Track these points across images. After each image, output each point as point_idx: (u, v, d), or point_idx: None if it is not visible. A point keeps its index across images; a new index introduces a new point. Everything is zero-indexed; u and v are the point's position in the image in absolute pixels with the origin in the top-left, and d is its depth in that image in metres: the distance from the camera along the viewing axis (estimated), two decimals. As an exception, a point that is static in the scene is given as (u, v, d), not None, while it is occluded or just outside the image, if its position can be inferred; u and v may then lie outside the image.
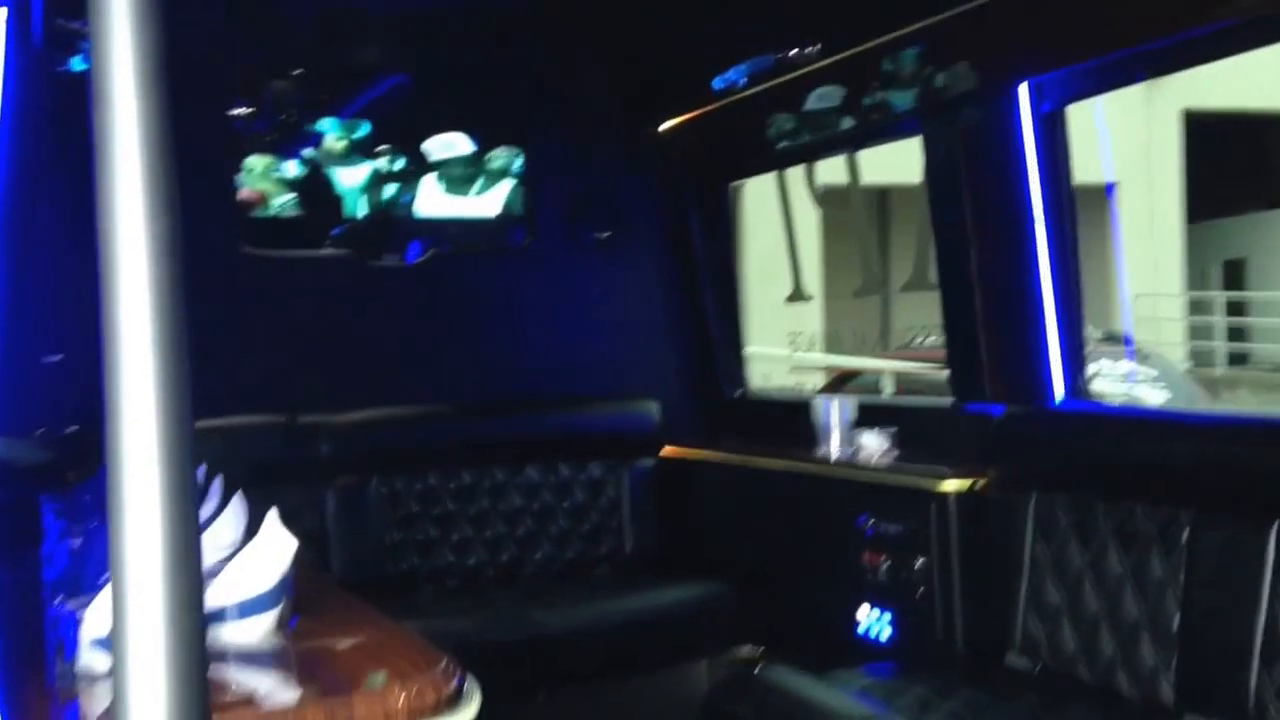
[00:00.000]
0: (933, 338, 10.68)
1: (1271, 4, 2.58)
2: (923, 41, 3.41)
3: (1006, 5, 3.12)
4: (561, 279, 4.63)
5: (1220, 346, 18.85)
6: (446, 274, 4.49)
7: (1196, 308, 19.50)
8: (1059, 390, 3.27)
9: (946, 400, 3.63)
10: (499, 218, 4.59)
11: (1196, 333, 19.24)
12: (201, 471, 2.34)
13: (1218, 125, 17.62)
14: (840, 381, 9.60)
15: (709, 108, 4.44)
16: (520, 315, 4.59)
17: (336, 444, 4.14)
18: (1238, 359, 19.04)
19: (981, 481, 3.19)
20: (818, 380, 10.78)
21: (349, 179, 4.43)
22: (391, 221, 4.45)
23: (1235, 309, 19.51)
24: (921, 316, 12.62)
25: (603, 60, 4.57)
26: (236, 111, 4.28)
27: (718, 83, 4.31)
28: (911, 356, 9.98)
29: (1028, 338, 3.28)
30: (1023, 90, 3.26)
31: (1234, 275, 21.42)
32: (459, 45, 4.42)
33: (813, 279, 12.54)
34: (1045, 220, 3.30)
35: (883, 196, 16.54)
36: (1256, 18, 2.63)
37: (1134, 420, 3.40)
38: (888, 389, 8.98)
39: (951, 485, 3.21)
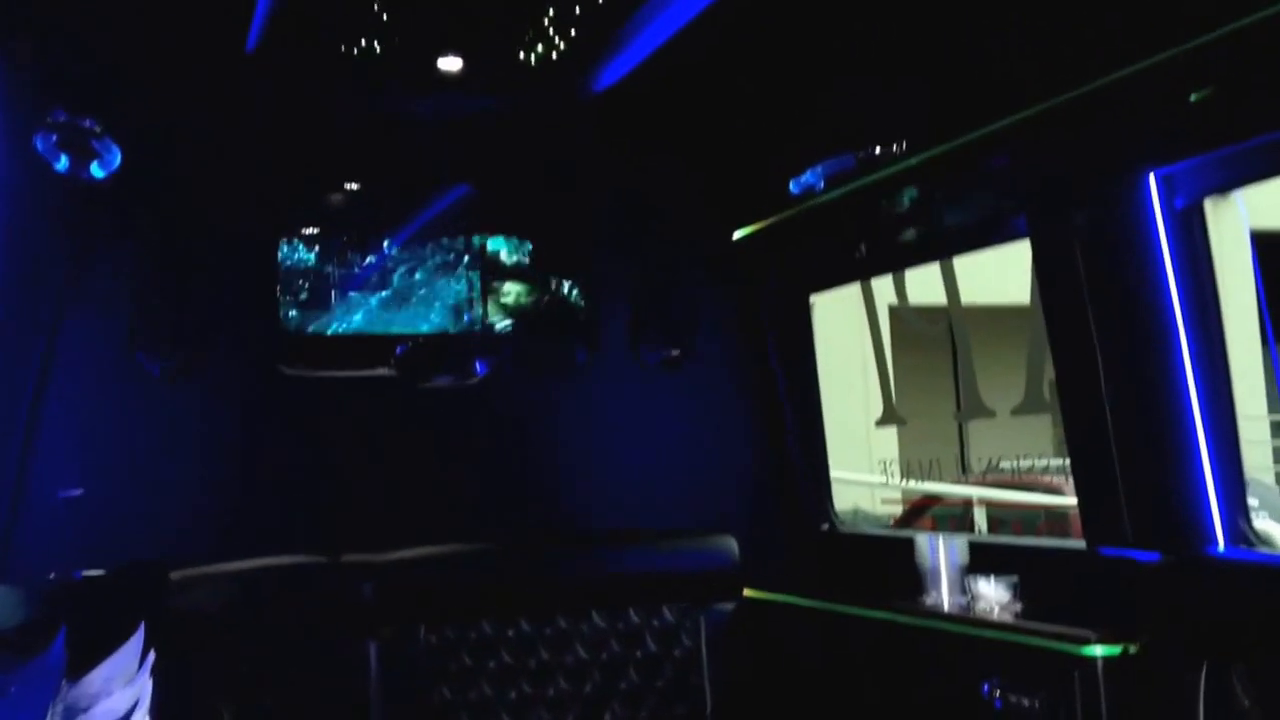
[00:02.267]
0: (1031, 461, 10.08)
1: None
2: (1027, 132, 3.04)
3: (1127, 87, 2.74)
4: (627, 400, 4.26)
5: (1309, 469, 17.94)
6: (503, 396, 4.14)
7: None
8: (1219, 535, 2.78)
9: (1074, 543, 3.15)
10: (561, 333, 4.27)
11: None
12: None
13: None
14: (916, 513, 9.03)
15: (786, 214, 4.11)
16: (582, 441, 4.21)
17: (381, 586, 3.73)
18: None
19: (1136, 646, 2.70)
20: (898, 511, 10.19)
21: (412, 296, 4.14)
22: (453, 339, 4.13)
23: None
24: (998, 444, 12.03)
25: (673, 164, 4.28)
26: (289, 235, 4.01)
27: (794, 187, 3.99)
28: (1003, 483, 9.36)
29: (1178, 471, 2.81)
30: (1151, 182, 2.87)
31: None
32: (522, 150, 4.15)
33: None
34: (1187, 332, 2.86)
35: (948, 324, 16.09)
36: None
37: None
38: (980, 523, 8.36)
39: (1100, 649, 2.71)
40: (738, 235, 4.32)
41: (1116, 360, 2.96)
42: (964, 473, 15.72)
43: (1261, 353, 18.71)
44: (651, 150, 4.23)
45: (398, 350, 4.08)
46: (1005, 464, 12.61)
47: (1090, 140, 2.88)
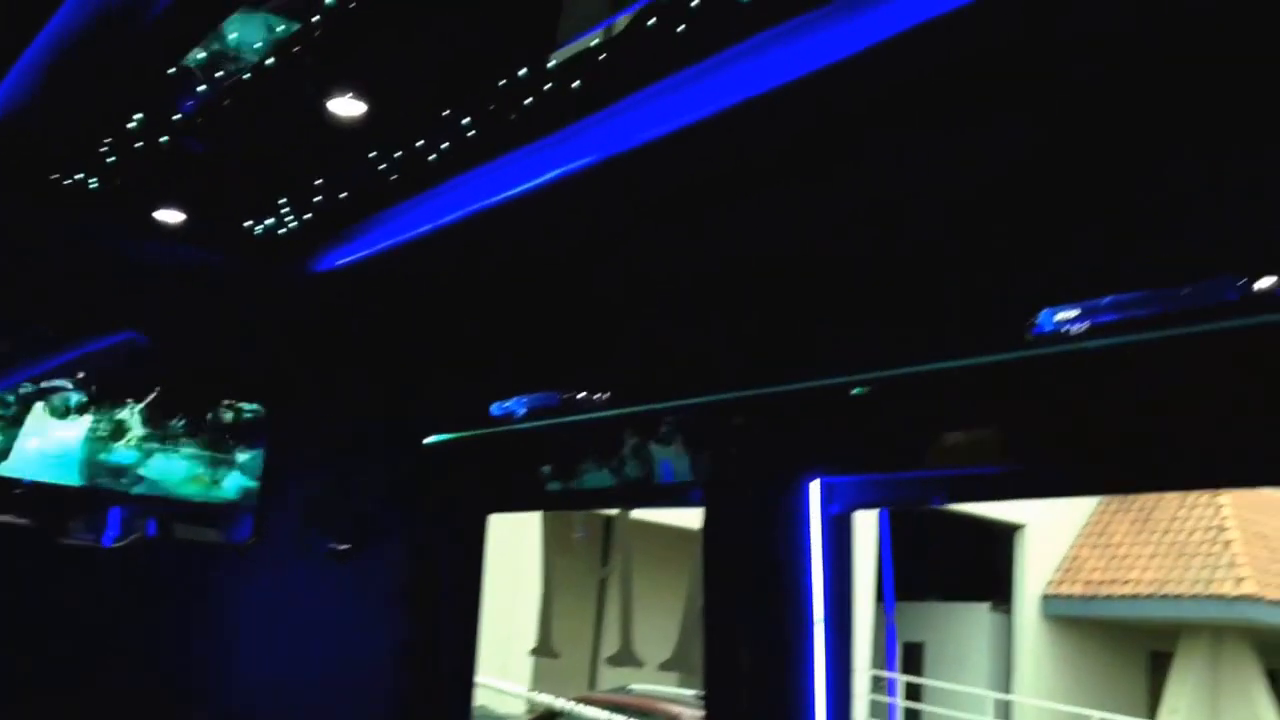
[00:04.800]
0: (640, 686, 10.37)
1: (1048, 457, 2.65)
2: (719, 416, 3.35)
3: (806, 398, 3.11)
4: (288, 589, 4.12)
5: (896, 728, 19.42)
6: (151, 564, 3.90)
7: (877, 686, 20.18)
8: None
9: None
10: (224, 506, 4.10)
11: (877, 709, 19.83)
12: None
13: (909, 514, 18.95)
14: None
15: (481, 431, 4.22)
16: (234, 623, 4.00)
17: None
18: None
19: None
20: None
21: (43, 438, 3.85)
22: (89, 493, 3.86)
23: (912, 692, 20.33)
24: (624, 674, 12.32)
25: (376, 356, 4.31)
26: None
27: (496, 409, 4.13)
28: (627, 705, 9.56)
29: None
30: (814, 487, 3.22)
31: (911, 658, 22.47)
32: (223, 312, 4.07)
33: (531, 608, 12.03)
34: (825, 620, 3.18)
35: (607, 524, 16.56)
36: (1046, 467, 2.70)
37: None
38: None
39: None
40: (429, 440, 4.38)
41: (758, 636, 3.23)
42: (591, 687, 15.91)
43: (874, 610, 20.39)
44: (357, 338, 4.26)
45: (28, 495, 3.78)
46: (635, 686, 12.91)
47: (771, 438, 3.21)
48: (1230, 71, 2.08)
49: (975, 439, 2.70)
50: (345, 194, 3.52)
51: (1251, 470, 2.50)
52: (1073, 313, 2.30)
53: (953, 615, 22.55)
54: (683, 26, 2.35)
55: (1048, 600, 21.91)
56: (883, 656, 21.08)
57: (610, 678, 15.71)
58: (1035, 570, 22.05)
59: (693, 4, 2.28)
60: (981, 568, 22.36)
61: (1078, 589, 21.61)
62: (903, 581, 21.03)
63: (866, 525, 20.24)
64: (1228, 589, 18.89)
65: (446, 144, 3.08)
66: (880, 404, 2.89)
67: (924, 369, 2.75)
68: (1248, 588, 18.72)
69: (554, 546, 11.44)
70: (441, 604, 4.32)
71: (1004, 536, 22.10)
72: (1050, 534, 22.15)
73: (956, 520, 20.63)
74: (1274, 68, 2.03)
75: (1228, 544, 19.47)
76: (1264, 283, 2.02)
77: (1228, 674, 19.92)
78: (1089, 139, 2.32)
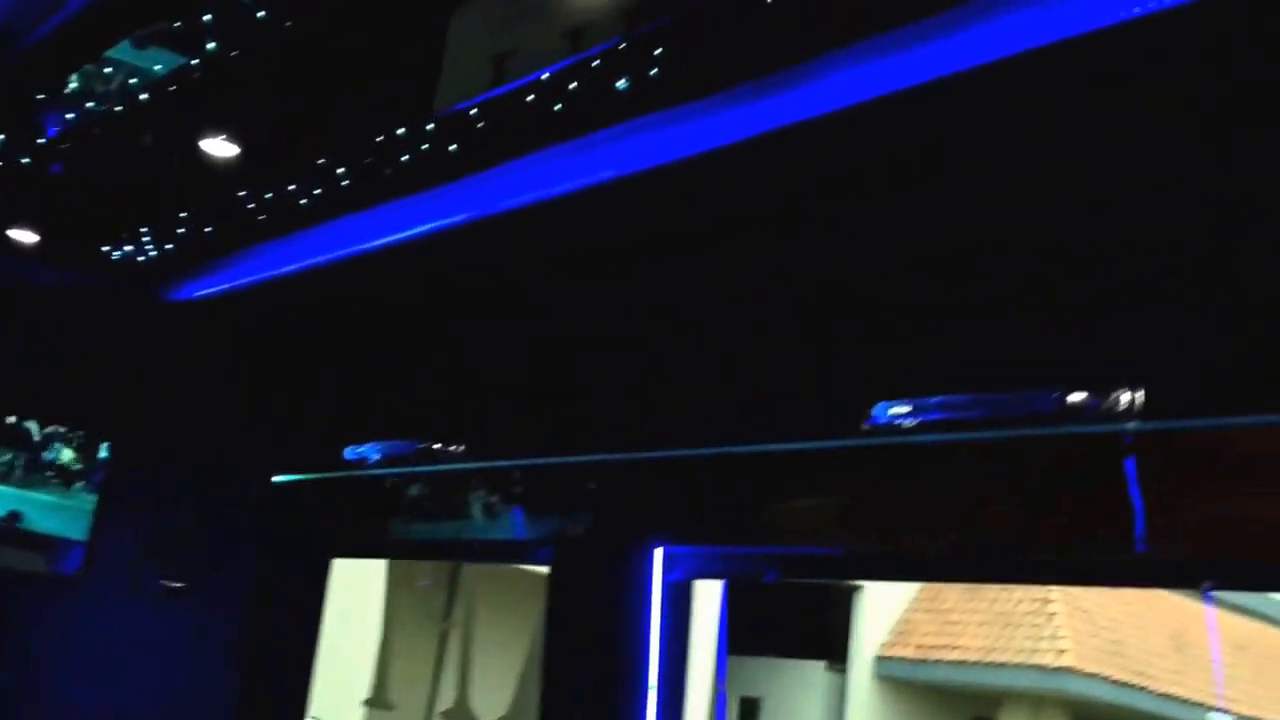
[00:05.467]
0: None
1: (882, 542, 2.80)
2: (570, 478, 3.42)
3: (655, 468, 3.21)
4: (115, 623, 3.99)
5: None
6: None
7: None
8: None
9: None
10: (51, 536, 3.97)
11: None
12: None
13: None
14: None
15: (332, 475, 4.19)
16: (50, 657, 3.85)
17: None
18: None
19: None
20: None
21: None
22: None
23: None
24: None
25: (228, 390, 4.24)
26: None
27: (350, 453, 4.11)
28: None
29: None
30: (658, 554, 3.30)
31: (747, 713, 22.74)
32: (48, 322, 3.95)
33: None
34: (658, 687, 3.25)
35: (454, 574, 16.36)
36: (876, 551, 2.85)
37: None
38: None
39: None
40: (277, 479, 4.32)
41: (595, 696, 3.29)
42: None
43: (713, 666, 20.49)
44: (211, 371, 4.20)
45: None
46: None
47: (615, 505, 3.29)
48: (1059, 200, 2.27)
49: (808, 519, 2.83)
50: (210, 227, 3.49)
51: (1059, 569, 2.68)
52: (905, 408, 2.45)
53: (790, 672, 22.94)
54: (559, 106, 2.44)
55: (881, 661, 22.49)
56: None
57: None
58: (871, 631, 22.63)
59: (570, 87, 2.37)
60: (820, 627, 22.84)
61: (909, 651, 22.26)
62: (743, 637, 21.39)
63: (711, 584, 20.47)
64: (1049, 659, 19.72)
65: (319, 190, 3.09)
66: (722, 479, 3.00)
67: (765, 449, 2.88)
68: (1068, 660, 19.59)
69: (397, 594, 11.23)
70: (277, 647, 4.25)
71: (843, 597, 22.64)
72: (886, 597, 22.78)
73: (798, 581, 21.03)
74: (1097, 199, 2.22)
75: (1051, 615, 20.36)
76: (1076, 397, 2.20)
77: (1045, 742, 20.75)
78: (939, 248, 2.49)
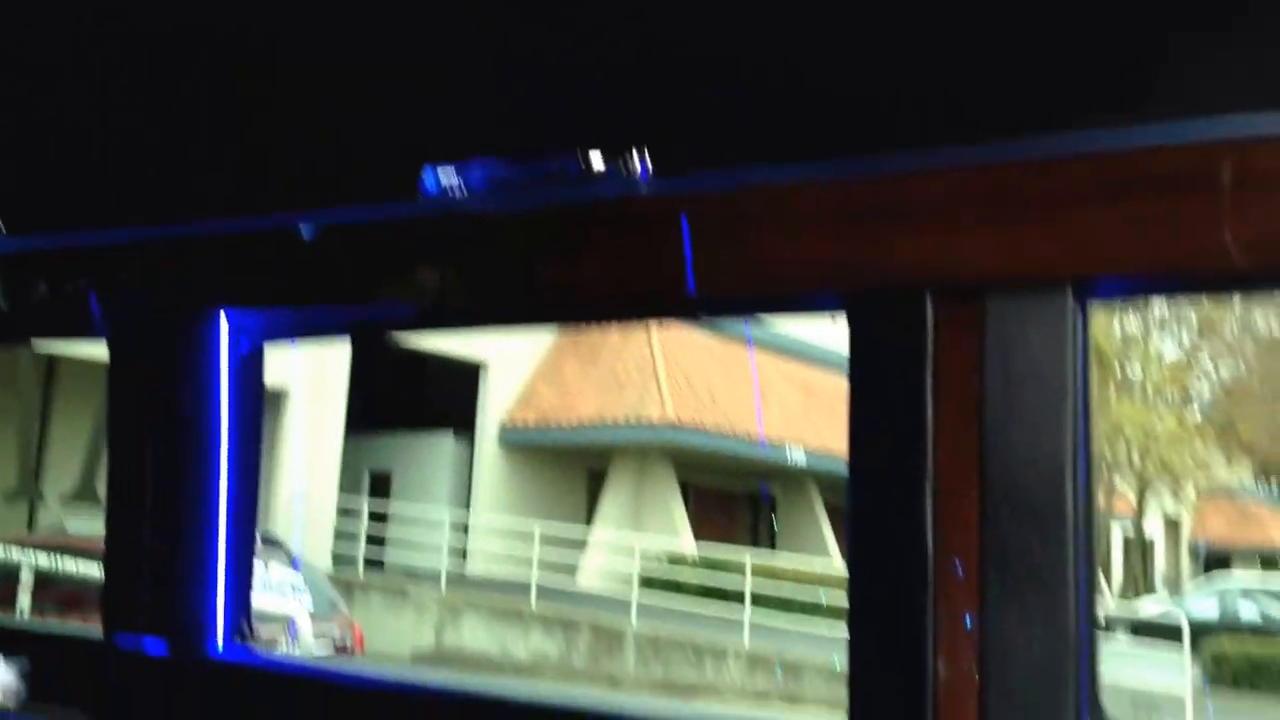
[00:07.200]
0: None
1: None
2: (120, 253, 3.31)
3: (208, 240, 3.16)
4: None
5: (361, 552, 20.19)
6: None
7: (345, 514, 20.74)
8: (220, 632, 3.20)
9: (94, 628, 3.33)
10: None
11: (343, 538, 20.40)
12: None
13: (381, 352, 19.39)
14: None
15: None
16: None
17: None
18: (375, 565, 20.50)
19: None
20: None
21: None
22: None
23: (377, 518, 21.13)
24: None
25: None
26: None
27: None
28: (67, 547, 8.96)
29: (195, 570, 3.20)
30: (222, 321, 3.30)
31: (379, 487, 23.27)
32: None
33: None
34: (230, 457, 3.31)
35: (51, 364, 15.22)
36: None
37: (292, 678, 3.14)
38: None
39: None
40: None
41: (164, 468, 3.30)
42: (30, 529, 14.72)
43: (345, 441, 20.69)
44: None
45: None
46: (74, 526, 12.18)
47: (169, 270, 3.23)
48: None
49: (374, 280, 2.93)
50: None
51: (617, 310, 2.90)
52: (451, 173, 2.56)
53: (419, 445, 23.56)
54: None
55: (504, 429, 23.57)
56: (354, 485, 21.63)
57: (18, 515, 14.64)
58: (496, 403, 23.57)
59: None
60: (450, 401, 23.48)
61: (531, 418, 23.45)
62: (373, 414, 21.58)
63: (342, 362, 20.38)
64: (654, 414, 21.50)
65: None
66: (286, 242, 3.02)
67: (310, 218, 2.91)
68: (670, 414, 21.44)
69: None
70: None
71: (470, 372, 23.31)
72: (511, 371, 23.70)
73: (428, 358, 21.39)
74: None
75: (656, 376, 22.07)
76: (595, 158, 2.39)
77: (650, 486, 22.86)
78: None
